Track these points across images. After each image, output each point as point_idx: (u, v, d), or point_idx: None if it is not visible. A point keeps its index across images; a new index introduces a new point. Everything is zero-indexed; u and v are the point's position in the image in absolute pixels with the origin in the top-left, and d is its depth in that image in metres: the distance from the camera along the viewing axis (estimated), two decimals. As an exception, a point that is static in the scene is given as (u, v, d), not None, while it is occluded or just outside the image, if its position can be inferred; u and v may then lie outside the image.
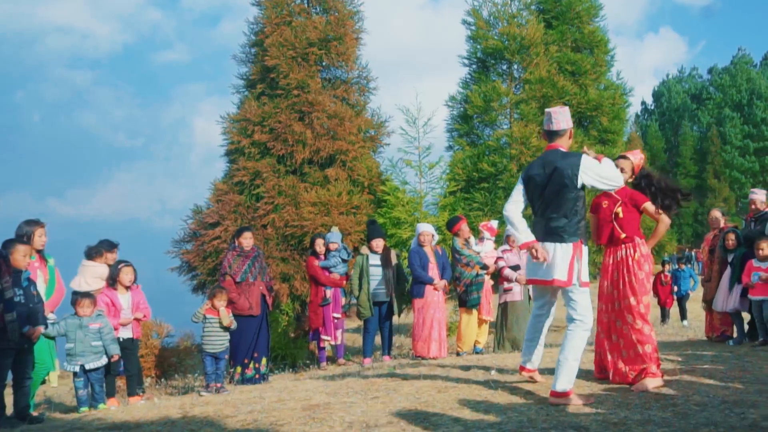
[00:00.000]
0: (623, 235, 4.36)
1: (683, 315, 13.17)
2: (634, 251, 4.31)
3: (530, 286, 5.04)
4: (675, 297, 13.16)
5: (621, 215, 4.38)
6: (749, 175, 43.94)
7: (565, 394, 3.78)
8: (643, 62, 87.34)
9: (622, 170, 4.37)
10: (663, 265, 13.47)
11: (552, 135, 4.11)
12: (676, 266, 13.54)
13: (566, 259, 3.89)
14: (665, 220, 4.41)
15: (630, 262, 4.30)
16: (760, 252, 6.04)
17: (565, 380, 3.81)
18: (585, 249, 4.01)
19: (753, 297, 6.08)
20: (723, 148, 44.12)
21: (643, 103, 55.87)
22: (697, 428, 3.22)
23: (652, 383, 4.09)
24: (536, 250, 3.88)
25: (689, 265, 14.95)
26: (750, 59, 50.97)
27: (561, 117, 4.07)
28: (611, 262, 4.41)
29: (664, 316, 13.13)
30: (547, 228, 3.97)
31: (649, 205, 4.39)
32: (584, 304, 3.96)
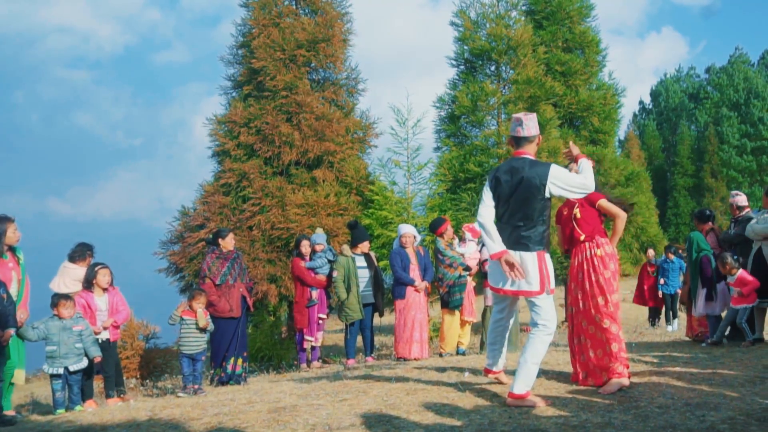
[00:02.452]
0: (582, 236, 4.35)
1: (674, 316, 11.26)
2: (597, 249, 4.29)
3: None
4: (662, 293, 11.28)
5: (579, 215, 4.38)
6: (746, 174, 43.86)
7: (521, 396, 3.81)
8: (645, 62, 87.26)
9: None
10: (646, 251, 11.83)
11: (520, 141, 3.99)
12: (664, 257, 11.45)
13: (535, 269, 3.83)
14: (621, 214, 4.34)
15: (595, 262, 4.28)
16: (722, 270, 6.13)
17: (523, 383, 3.82)
18: (548, 257, 3.95)
19: (732, 306, 6.14)
20: (720, 147, 44.05)
21: (641, 102, 55.85)
22: (655, 431, 3.23)
23: (618, 384, 4.09)
24: (508, 263, 3.75)
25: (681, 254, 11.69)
26: (747, 58, 50.90)
27: (531, 123, 3.97)
28: (576, 264, 4.40)
29: (653, 316, 11.48)
30: (513, 236, 3.88)
31: (604, 202, 4.35)
32: (548, 310, 3.94)
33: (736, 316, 6.07)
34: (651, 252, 11.79)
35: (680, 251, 11.31)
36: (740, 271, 6.06)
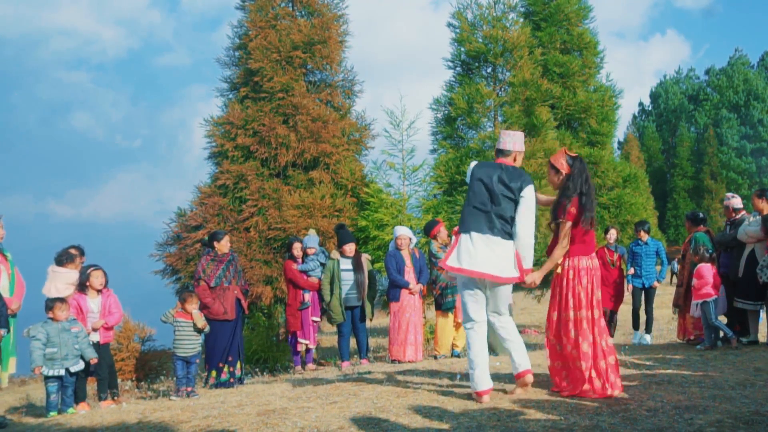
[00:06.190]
0: None
1: (648, 325, 8.22)
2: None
3: None
4: (631, 287, 8.12)
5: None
6: (746, 176, 43.90)
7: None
8: (648, 64, 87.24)
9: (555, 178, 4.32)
10: (606, 233, 8.15)
11: (498, 153, 4.38)
12: (636, 239, 8.28)
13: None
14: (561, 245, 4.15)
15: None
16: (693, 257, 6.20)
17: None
18: (461, 237, 4.16)
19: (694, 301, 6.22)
20: (720, 149, 44.15)
21: (641, 104, 55.89)
22: (642, 434, 3.22)
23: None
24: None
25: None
26: (747, 60, 50.96)
27: (508, 139, 4.35)
28: None
29: (609, 321, 7.68)
30: None
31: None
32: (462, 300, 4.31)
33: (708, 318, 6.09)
34: (612, 233, 8.10)
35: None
36: (700, 265, 6.13)
